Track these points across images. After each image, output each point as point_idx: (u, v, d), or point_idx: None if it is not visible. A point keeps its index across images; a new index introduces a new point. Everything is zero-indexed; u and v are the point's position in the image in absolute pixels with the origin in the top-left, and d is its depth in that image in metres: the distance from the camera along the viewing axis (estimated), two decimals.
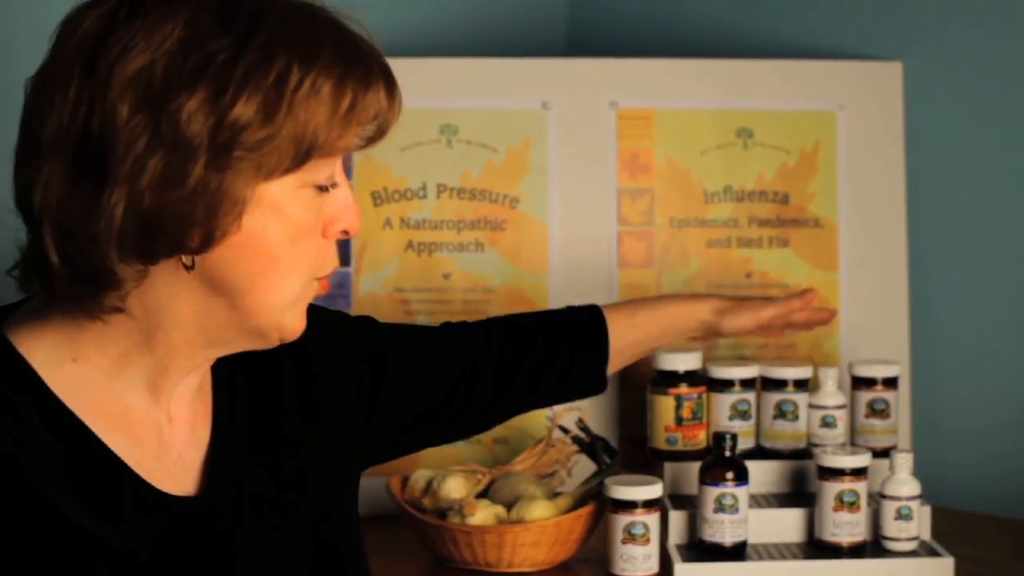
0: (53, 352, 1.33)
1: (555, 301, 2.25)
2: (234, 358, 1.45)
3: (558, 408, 2.18)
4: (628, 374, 2.25)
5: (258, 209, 1.30)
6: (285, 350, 1.46)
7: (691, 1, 2.52)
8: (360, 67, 1.33)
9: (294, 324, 1.37)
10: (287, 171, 1.30)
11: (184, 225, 1.27)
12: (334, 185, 1.35)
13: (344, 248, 2.23)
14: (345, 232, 1.37)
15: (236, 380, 1.46)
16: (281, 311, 1.35)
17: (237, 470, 1.42)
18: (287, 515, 1.44)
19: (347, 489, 1.54)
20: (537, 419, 2.21)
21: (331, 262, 1.37)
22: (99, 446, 1.33)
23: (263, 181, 1.30)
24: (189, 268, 1.31)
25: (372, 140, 1.37)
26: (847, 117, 2.31)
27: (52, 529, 1.28)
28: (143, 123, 1.25)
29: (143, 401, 1.37)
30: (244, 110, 1.26)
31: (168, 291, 1.33)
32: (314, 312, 1.49)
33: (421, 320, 2.23)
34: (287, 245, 1.32)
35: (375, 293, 2.24)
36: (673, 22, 2.53)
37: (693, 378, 2.09)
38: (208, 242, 1.29)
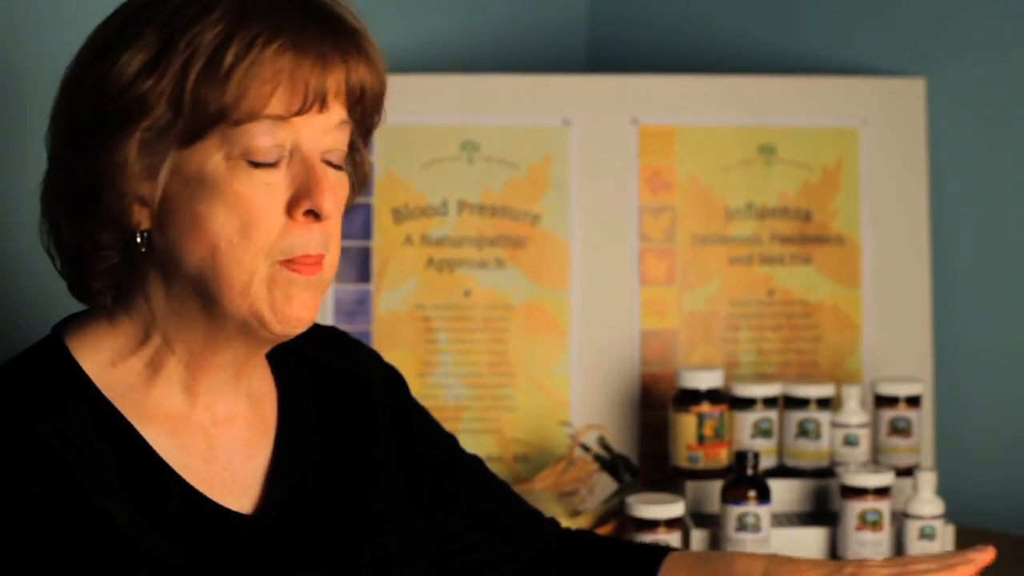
0: (97, 355, 1.35)
1: (576, 318, 2.25)
2: (315, 374, 1.45)
3: (579, 425, 2.18)
4: (650, 392, 2.24)
5: (181, 181, 1.30)
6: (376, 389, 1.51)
7: (713, 17, 2.51)
8: (257, 25, 1.30)
9: (282, 310, 1.32)
10: (188, 137, 1.29)
11: (95, 193, 1.30)
12: (276, 158, 1.31)
13: (364, 265, 2.22)
14: (312, 213, 1.32)
15: (307, 397, 1.46)
16: (247, 296, 1.31)
17: (298, 490, 1.41)
18: (344, 549, 1.42)
19: (420, 538, 1.51)
20: (558, 437, 2.20)
21: (301, 244, 1.32)
22: (147, 449, 1.32)
23: (176, 151, 1.30)
24: (142, 248, 1.32)
25: (306, 109, 1.31)
26: (870, 134, 2.31)
27: (97, 532, 1.27)
28: None
29: (182, 405, 1.37)
30: (126, 66, 1.29)
31: (141, 283, 1.35)
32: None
33: (441, 338, 2.23)
34: (229, 222, 1.30)
35: (395, 310, 2.23)
36: (694, 38, 2.52)
37: (715, 396, 2.09)
38: (125, 211, 1.30)
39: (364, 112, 1.39)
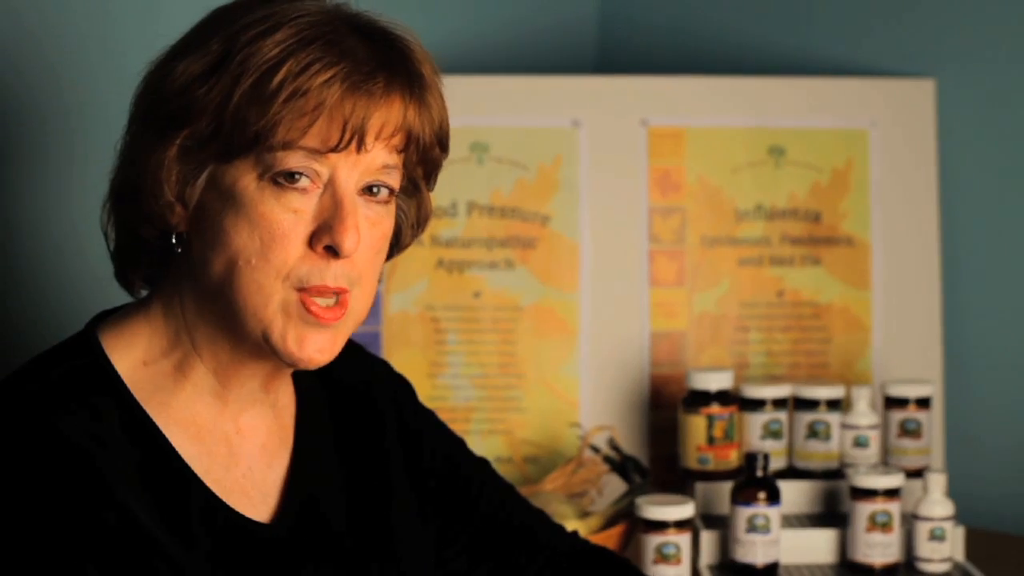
0: (130, 353, 1.35)
1: (586, 319, 2.25)
2: (327, 385, 1.46)
3: (589, 426, 2.18)
4: (660, 394, 2.24)
5: (215, 193, 1.31)
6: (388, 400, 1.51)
7: (722, 19, 2.51)
8: (316, 52, 1.29)
9: (295, 352, 1.32)
10: (225, 153, 1.29)
11: (139, 192, 1.32)
12: (305, 183, 1.30)
13: None
14: (330, 249, 1.30)
15: (321, 408, 1.46)
16: (260, 319, 1.31)
17: (314, 501, 1.41)
18: (357, 560, 1.42)
19: (429, 549, 1.51)
20: (568, 438, 2.20)
21: (318, 274, 1.30)
22: (171, 452, 1.33)
23: (214, 163, 1.30)
24: (178, 249, 1.33)
25: (342, 147, 1.29)
26: (879, 135, 2.31)
27: (119, 526, 1.27)
28: None
29: (210, 410, 1.37)
30: (183, 72, 1.30)
31: (177, 284, 1.36)
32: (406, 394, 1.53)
33: (451, 339, 2.23)
34: (252, 242, 1.29)
35: (405, 311, 2.24)
36: (704, 40, 2.52)
37: (725, 398, 2.09)
38: (162, 212, 1.31)
39: (420, 155, 1.37)
